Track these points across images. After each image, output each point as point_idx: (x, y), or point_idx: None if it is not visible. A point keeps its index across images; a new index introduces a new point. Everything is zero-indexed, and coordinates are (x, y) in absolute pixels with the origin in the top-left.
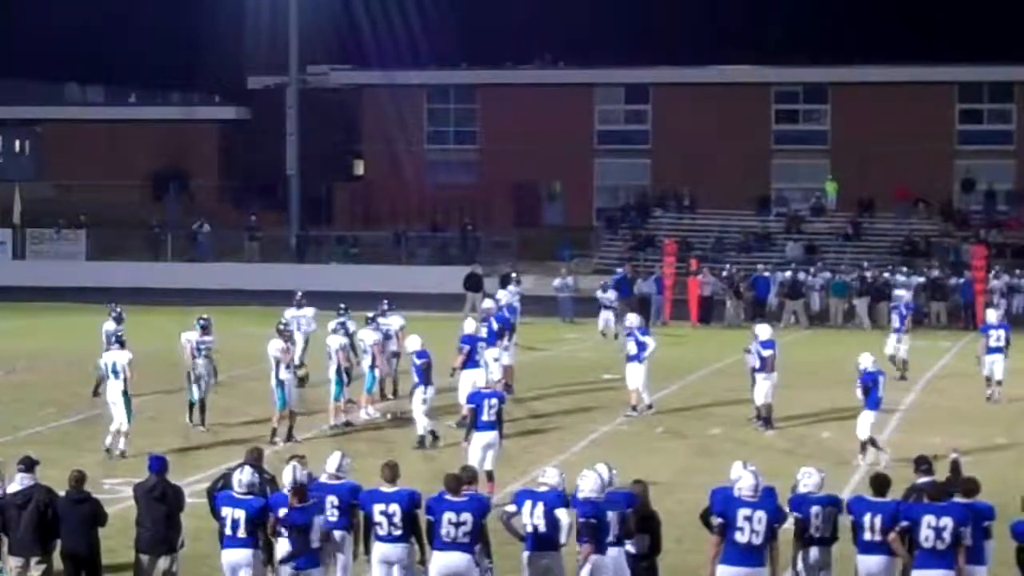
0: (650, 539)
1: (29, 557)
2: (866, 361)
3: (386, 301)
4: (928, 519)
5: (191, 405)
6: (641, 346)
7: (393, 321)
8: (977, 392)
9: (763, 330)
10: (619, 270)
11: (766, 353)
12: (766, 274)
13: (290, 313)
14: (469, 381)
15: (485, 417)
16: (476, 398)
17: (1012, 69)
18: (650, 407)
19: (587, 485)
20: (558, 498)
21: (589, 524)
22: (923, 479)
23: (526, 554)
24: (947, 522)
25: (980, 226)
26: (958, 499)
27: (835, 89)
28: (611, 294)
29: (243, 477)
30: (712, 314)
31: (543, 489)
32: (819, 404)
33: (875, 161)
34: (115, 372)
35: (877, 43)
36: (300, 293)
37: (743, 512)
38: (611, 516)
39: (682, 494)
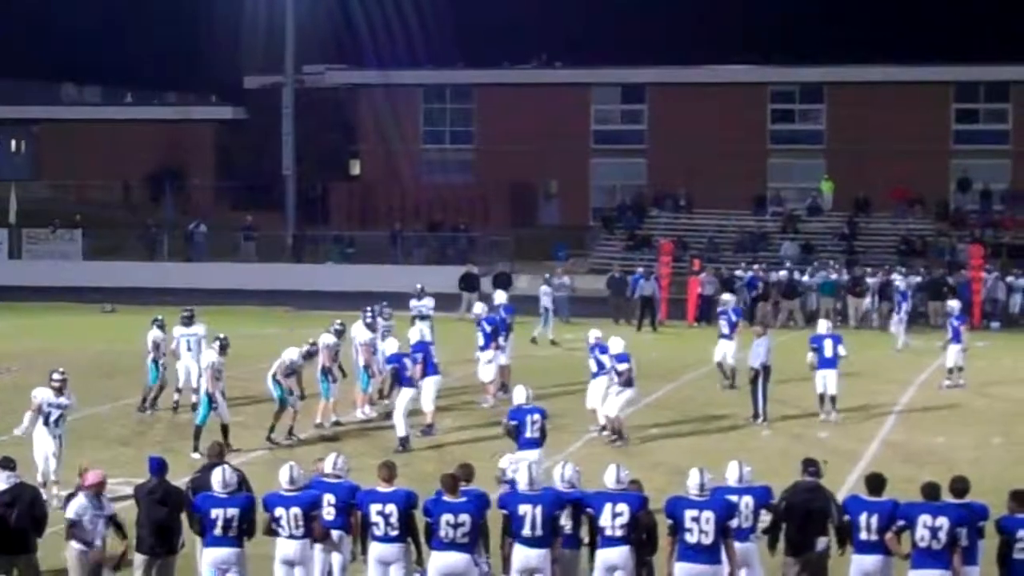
0: (646, 538)
1: (15, 555)
2: (820, 327)
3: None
4: (924, 519)
5: (199, 430)
6: (600, 364)
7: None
8: (976, 391)
9: (616, 343)
10: (638, 270)
11: (621, 367)
12: (761, 274)
13: (178, 331)
14: (431, 388)
15: (528, 434)
16: (518, 415)
17: (1008, 69)
18: (603, 429)
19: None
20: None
21: (502, 514)
22: (807, 479)
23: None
24: (943, 522)
25: (976, 226)
26: (951, 499)
27: (831, 89)
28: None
29: (224, 477)
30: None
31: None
32: (816, 404)
33: (871, 161)
34: (56, 418)
35: (873, 43)
36: (191, 310)
37: (690, 513)
38: (525, 510)
39: (678, 493)
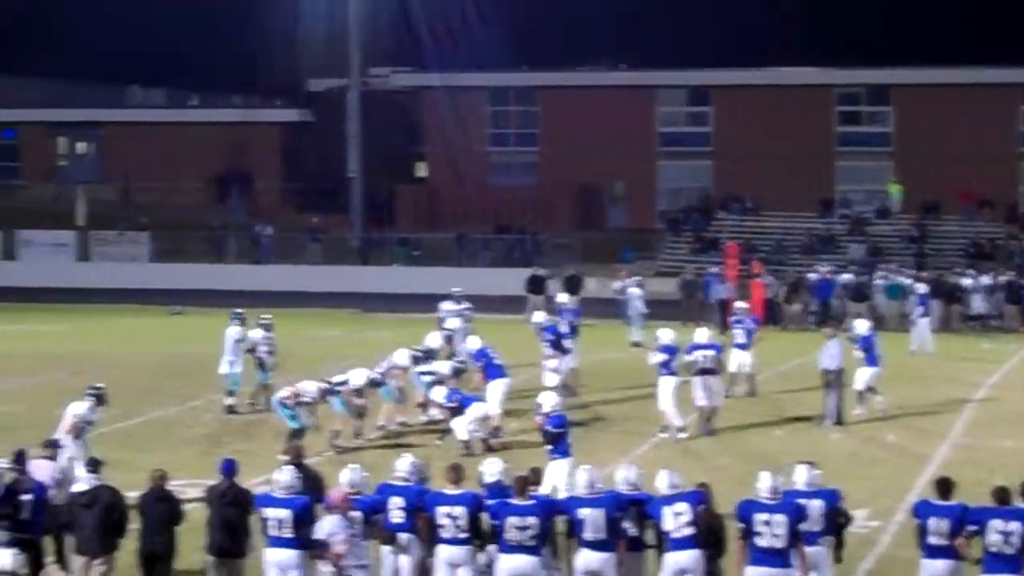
0: (714, 541)
1: (92, 557)
2: (861, 327)
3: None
4: (995, 523)
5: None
6: (665, 364)
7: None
8: None
9: (701, 334)
10: (712, 270)
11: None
12: (828, 276)
13: (254, 334)
14: (498, 391)
15: (569, 439)
16: (561, 421)
17: None
18: (682, 430)
19: None
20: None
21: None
22: None
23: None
24: (1015, 526)
25: None
26: (1020, 503)
27: (898, 91)
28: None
29: (282, 478)
30: (775, 316)
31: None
32: (855, 399)
33: (939, 163)
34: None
35: (940, 44)
36: (241, 311)
37: (761, 517)
38: (586, 513)
39: (745, 496)
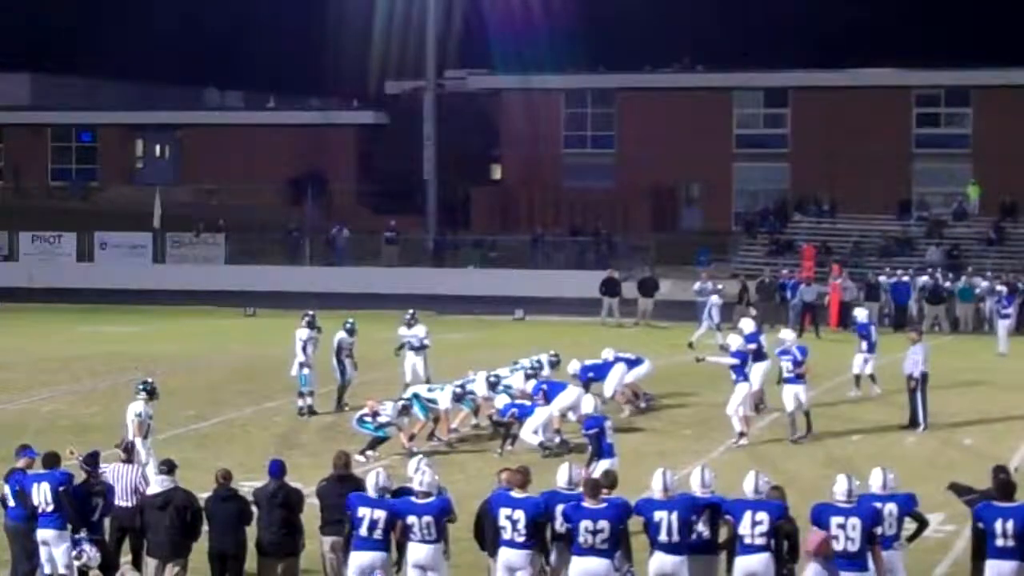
0: (788, 545)
1: (165, 559)
2: (860, 315)
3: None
4: None
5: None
6: (739, 370)
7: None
8: None
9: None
10: (786, 271)
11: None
12: (905, 279)
13: (305, 334)
14: (568, 397)
15: (609, 440)
16: (598, 422)
17: None
18: (742, 435)
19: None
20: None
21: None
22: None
23: None
24: None
25: None
26: None
27: (977, 92)
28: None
29: (378, 480)
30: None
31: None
32: (961, 411)
33: (1018, 165)
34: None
35: (1020, 45)
36: (312, 314)
37: (836, 520)
38: (661, 516)
39: (821, 501)
